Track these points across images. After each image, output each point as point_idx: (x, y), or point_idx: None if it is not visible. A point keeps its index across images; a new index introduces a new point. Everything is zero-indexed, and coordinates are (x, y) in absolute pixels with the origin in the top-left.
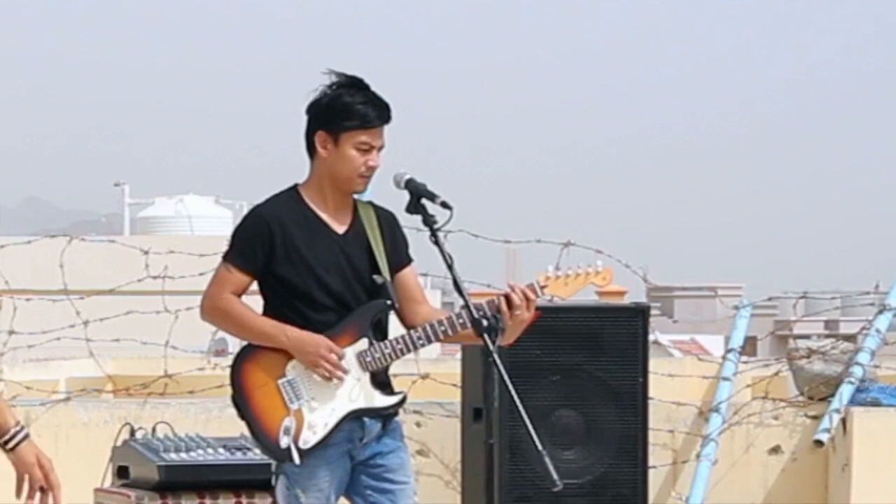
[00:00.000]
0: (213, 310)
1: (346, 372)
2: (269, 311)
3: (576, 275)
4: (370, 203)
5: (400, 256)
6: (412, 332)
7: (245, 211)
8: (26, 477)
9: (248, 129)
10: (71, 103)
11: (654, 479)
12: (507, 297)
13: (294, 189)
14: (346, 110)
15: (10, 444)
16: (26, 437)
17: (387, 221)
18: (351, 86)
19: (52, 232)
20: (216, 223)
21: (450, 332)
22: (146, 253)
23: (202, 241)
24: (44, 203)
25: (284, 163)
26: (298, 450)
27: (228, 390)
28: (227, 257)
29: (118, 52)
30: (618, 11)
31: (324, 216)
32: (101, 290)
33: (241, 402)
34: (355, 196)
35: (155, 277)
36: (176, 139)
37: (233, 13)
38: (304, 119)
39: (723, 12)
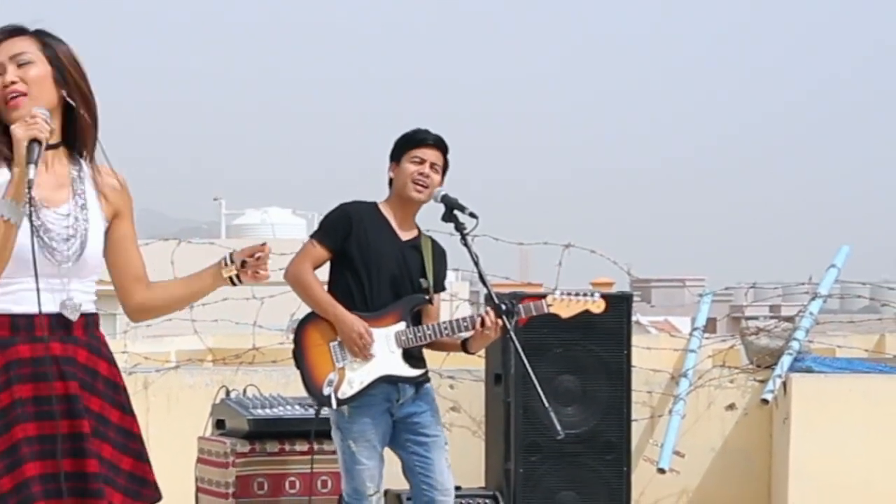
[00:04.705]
0: (293, 274)
1: (371, 355)
2: (334, 283)
3: (577, 301)
4: (430, 237)
5: (438, 282)
6: (441, 323)
7: (315, 220)
8: None
9: (319, 157)
10: (180, 134)
11: (636, 430)
12: (483, 319)
13: (374, 203)
14: (405, 138)
15: (232, 261)
16: (230, 254)
17: (439, 253)
18: (412, 129)
19: (164, 236)
20: (293, 229)
21: (471, 326)
22: None
23: (282, 244)
24: (157, 213)
25: (347, 184)
26: (337, 399)
27: None
28: (315, 235)
29: (216, 95)
30: (623, 53)
31: (393, 224)
32: None
33: (299, 356)
34: (421, 232)
35: None
36: (262, 164)
37: (304, 68)
38: (388, 146)
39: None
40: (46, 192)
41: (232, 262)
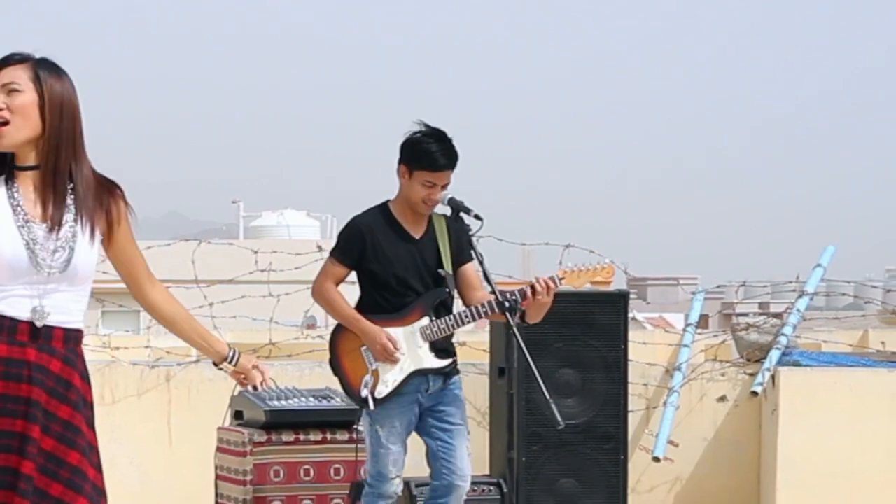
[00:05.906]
0: (318, 293)
1: (396, 360)
2: (364, 294)
3: (586, 269)
4: (443, 216)
5: (463, 255)
6: (462, 311)
7: (329, 222)
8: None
9: (332, 163)
10: (201, 141)
11: (632, 420)
12: (532, 287)
13: (385, 204)
14: (423, 154)
15: (234, 362)
16: (239, 354)
17: (454, 229)
18: (432, 136)
19: (186, 237)
20: (308, 231)
21: (489, 312)
22: (256, 253)
23: (297, 244)
24: (180, 216)
25: (355, 188)
26: (374, 399)
27: (317, 354)
28: (333, 254)
29: (235, 104)
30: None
31: (405, 225)
32: (222, 280)
33: (335, 363)
34: (432, 217)
35: (262, 271)
36: (278, 169)
37: (319, 78)
38: (396, 153)
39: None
40: (36, 209)
41: (232, 363)
